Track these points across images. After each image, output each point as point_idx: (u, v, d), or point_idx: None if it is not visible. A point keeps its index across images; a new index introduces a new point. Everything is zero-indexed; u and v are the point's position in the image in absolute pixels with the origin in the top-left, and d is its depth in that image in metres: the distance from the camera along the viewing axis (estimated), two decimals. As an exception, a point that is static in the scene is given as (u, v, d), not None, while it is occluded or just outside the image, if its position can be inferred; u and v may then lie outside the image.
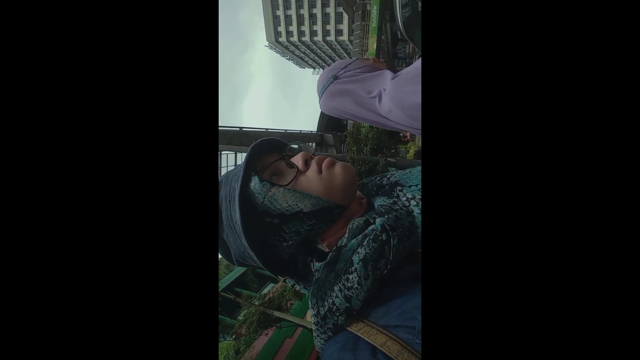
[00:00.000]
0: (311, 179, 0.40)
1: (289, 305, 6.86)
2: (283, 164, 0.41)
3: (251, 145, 0.42)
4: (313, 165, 0.41)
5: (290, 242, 0.39)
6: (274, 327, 6.83)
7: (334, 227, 0.39)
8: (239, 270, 11.42)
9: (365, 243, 0.35)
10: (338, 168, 0.41)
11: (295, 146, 0.45)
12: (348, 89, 0.84)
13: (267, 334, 7.13)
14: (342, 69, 0.85)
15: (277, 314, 6.58)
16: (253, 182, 0.39)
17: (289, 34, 30.57)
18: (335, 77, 0.86)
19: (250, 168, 0.40)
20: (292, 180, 0.39)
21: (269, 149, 0.44)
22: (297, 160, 0.41)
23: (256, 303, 6.92)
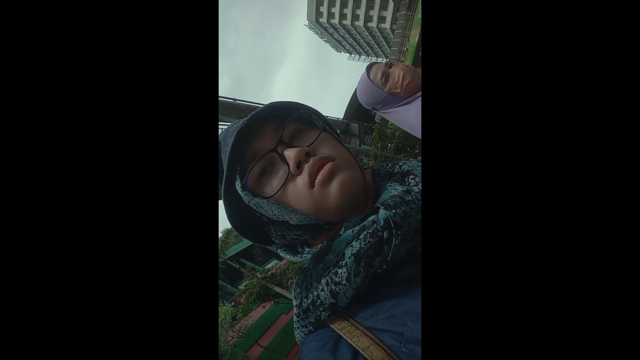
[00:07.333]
0: (300, 191, 0.33)
1: (289, 282, 7.02)
2: (275, 157, 0.34)
3: (236, 130, 0.34)
4: (305, 174, 0.33)
5: (277, 240, 0.38)
6: (272, 302, 7.04)
7: (326, 234, 0.36)
8: (246, 242, 11.75)
9: (361, 237, 0.31)
10: (335, 186, 0.33)
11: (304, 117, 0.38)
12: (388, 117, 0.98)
13: (264, 307, 7.36)
14: (379, 103, 0.93)
15: (277, 289, 6.77)
16: (237, 184, 0.35)
17: (330, 15, 29.80)
18: (374, 109, 0.96)
19: (234, 160, 0.35)
20: (278, 190, 0.33)
21: (265, 119, 0.36)
22: (290, 157, 0.33)
23: (259, 276, 7.13)
